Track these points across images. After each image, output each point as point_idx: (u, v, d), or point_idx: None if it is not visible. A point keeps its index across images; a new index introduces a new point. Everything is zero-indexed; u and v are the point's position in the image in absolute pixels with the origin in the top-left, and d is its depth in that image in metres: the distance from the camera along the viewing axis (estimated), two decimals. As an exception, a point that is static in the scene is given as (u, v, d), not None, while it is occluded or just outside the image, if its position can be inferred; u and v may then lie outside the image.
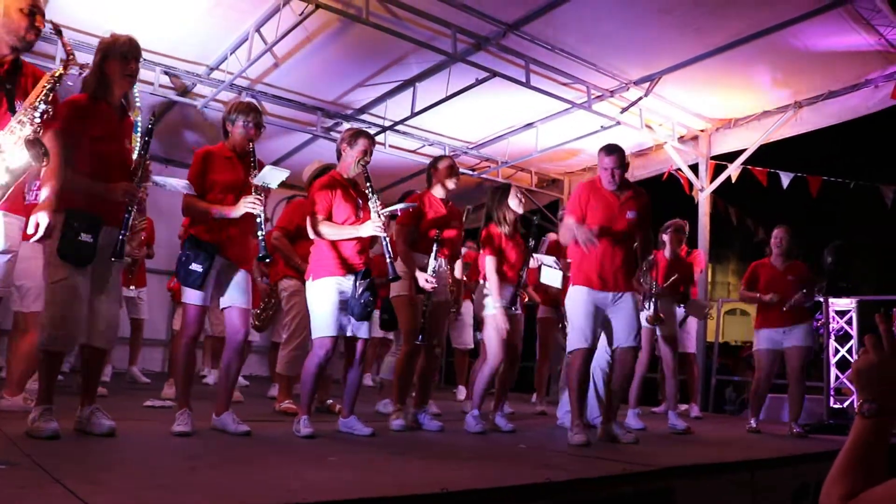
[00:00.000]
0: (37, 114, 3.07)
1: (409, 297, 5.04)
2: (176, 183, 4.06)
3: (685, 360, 7.58)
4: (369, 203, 4.49)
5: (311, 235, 4.51)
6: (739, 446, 5.26)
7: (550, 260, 5.92)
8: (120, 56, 3.78)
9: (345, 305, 4.43)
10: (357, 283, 4.43)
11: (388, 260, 4.49)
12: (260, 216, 4.13)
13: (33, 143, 3.01)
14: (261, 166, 4.28)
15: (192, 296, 4.11)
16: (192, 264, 4.04)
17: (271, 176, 4.17)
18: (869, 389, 1.36)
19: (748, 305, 7.66)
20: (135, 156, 3.90)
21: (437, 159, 5.50)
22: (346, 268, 4.46)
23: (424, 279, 4.98)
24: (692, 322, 7.54)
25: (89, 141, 3.65)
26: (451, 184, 5.31)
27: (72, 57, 3.22)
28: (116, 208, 3.67)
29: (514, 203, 5.54)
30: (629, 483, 3.52)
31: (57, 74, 3.17)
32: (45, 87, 3.13)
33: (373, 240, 4.64)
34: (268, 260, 4.26)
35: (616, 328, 4.99)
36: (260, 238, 4.14)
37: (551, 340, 7.30)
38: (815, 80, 7.91)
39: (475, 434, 5.05)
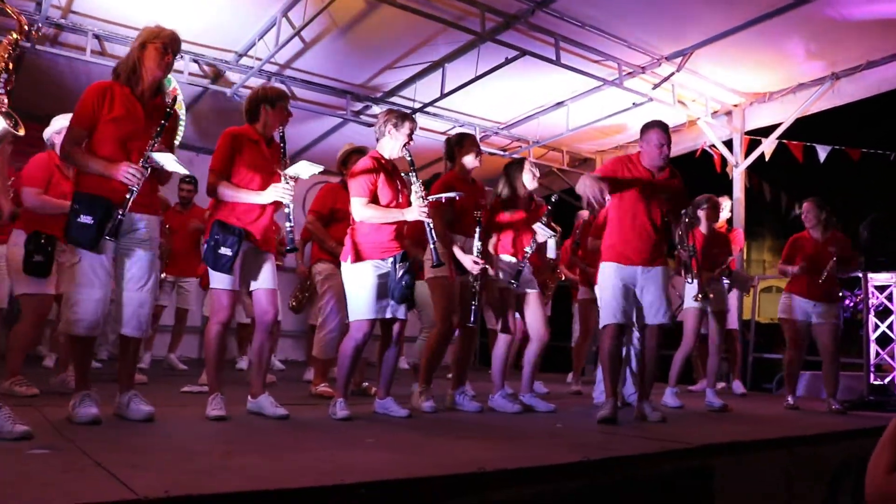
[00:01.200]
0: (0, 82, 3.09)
1: (447, 278, 5.01)
2: (164, 160, 3.90)
3: (727, 337, 7.56)
4: (413, 187, 4.47)
5: (356, 218, 4.48)
6: (778, 423, 5.20)
7: (540, 226, 5.67)
8: (161, 46, 3.80)
9: (383, 288, 4.42)
10: (397, 266, 4.41)
11: (431, 246, 4.48)
12: (289, 206, 4.12)
13: (6, 113, 3.02)
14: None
15: (222, 280, 4.11)
16: (222, 248, 4.03)
17: (305, 169, 4.16)
18: None
19: (784, 282, 7.56)
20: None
21: (461, 137, 5.42)
22: (385, 251, 4.45)
23: (472, 261, 4.96)
24: (732, 298, 7.47)
25: (106, 124, 3.68)
26: (474, 163, 5.29)
27: (23, 22, 3.21)
28: (126, 189, 3.64)
29: (528, 178, 5.49)
30: (667, 461, 3.50)
31: (13, 39, 3.16)
32: (3, 55, 3.13)
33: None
34: (295, 252, 4.24)
35: (644, 305, 4.95)
36: (288, 229, 4.14)
37: (592, 321, 7.28)
38: (852, 51, 7.72)
39: (511, 414, 5.04)
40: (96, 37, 7.39)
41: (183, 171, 3.95)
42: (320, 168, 4.21)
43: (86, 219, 3.57)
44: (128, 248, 3.76)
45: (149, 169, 3.68)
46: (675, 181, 5.05)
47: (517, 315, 5.48)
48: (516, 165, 5.57)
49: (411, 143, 4.60)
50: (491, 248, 5.38)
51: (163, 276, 7.31)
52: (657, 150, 4.92)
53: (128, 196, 3.61)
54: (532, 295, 5.43)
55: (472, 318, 5.07)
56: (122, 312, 3.79)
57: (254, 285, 4.29)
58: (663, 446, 3.67)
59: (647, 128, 5.04)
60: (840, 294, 6.53)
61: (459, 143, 5.32)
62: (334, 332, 5.64)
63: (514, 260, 5.38)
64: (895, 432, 1.30)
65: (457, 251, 5.00)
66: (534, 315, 5.44)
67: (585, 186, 4.68)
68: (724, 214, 7.58)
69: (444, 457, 3.21)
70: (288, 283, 7.56)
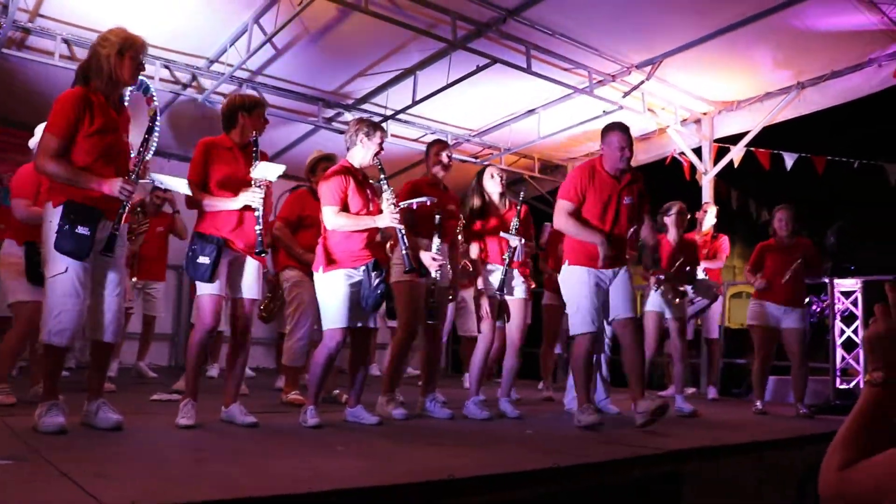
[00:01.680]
0: None
1: (411, 283, 5.01)
2: (175, 184, 4.04)
3: (708, 345, 7.70)
4: (384, 195, 4.48)
5: (328, 226, 4.47)
6: (747, 428, 5.25)
7: (503, 233, 5.67)
8: (137, 56, 3.79)
9: (356, 296, 4.42)
10: (370, 275, 4.41)
11: (403, 252, 4.50)
12: (258, 210, 4.13)
13: None
14: (263, 157, 4.28)
15: (205, 287, 4.12)
16: (200, 257, 4.04)
17: (268, 170, 4.19)
18: (877, 358, 1.36)
19: (753, 288, 7.70)
20: (133, 153, 3.90)
21: (428, 145, 5.46)
22: (357, 259, 4.44)
23: (430, 258, 4.95)
24: (716, 308, 7.55)
25: (88, 134, 3.63)
26: (439, 171, 5.30)
27: None
28: (116, 202, 3.66)
29: (488, 182, 5.49)
30: (637, 466, 3.52)
31: None
32: None
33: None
34: (263, 255, 4.25)
35: (613, 301, 4.90)
36: (257, 232, 4.14)
37: (557, 327, 7.30)
38: (818, 61, 7.86)
39: (481, 420, 5.05)
40: (65, 41, 7.31)
41: (188, 191, 4.08)
42: (282, 168, 4.24)
43: (83, 230, 3.55)
44: (101, 256, 3.74)
45: (137, 181, 3.69)
46: (638, 185, 5.00)
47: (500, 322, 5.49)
48: (480, 173, 5.59)
49: (382, 151, 4.62)
50: (474, 255, 5.39)
51: (133, 280, 7.29)
52: (618, 153, 4.83)
53: (121, 211, 3.64)
54: (513, 302, 5.44)
55: (428, 318, 5.07)
56: (101, 319, 3.78)
57: (236, 293, 4.29)
58: (633, 452, 3.70)
59: (607, 130, 4.96)
60: (806, 300, 6.62)
61: (426, 152, 5.39)
62: (303, 339, 5.62)
63: (497, 267, 5.38)
64: (846, 433, 1.33)
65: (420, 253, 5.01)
66: (512, 322, 5.47)
67: (600, 250, 4.73)
68: (710, 220, 7.65)
69: (414, 464, 3.21)
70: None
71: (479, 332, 5.39)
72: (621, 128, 4.93)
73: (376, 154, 4.57)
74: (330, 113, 9.35)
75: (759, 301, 6.47)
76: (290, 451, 3.51)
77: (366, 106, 9.21)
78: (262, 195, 4.14)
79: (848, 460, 1.27)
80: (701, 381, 8.41)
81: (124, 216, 3.67)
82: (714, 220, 7.69)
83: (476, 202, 5.48)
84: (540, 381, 7.89)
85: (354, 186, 4.50)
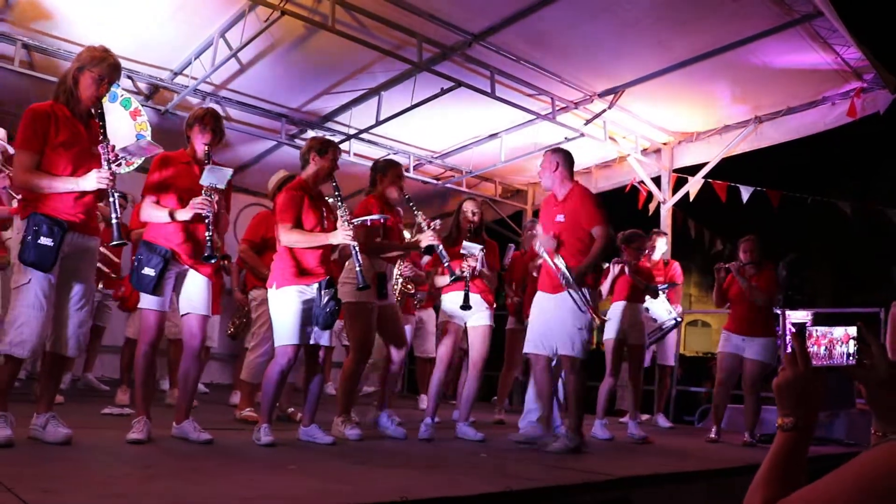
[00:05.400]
0: None
1: (365, 304, 5.01)
2: (136, 149, 3.92)
3: (661, 371, 7.74)
4: (338, 212, 4.49)
5: (282, 242, 4.47)
6: (697, 456, 5.32)
7: (475, 248, 5.66)
8: (97, 77, 3.76)
9: (308, 314, 4.41)
10: (322, 292, 4.41)
11: (357, 269, 4.49)
12: (208, 217, 4.09)
13: None
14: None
15: (148, 301, 4.07)
16: (145, 268, 4.00)
17: (215, 176, 4.14)
18: (785, 405, 1.42)
19: (709, 317, 7.79)
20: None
21: (386, 166, 5.44)
22: (310, 276, 4.45)
23: (428, 235, 5.01)
24: (672, 335, 7.62)
25: (54, 148, 3.65)
26: (395, 193, 5.32)
27: None
28: (85, 215, 3.70)
29: (463, 216, 5.61)
30: (588, 492, 3.54)
31: None
32: None
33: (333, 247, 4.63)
34: (212, 261, 4.19)
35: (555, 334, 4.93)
36: (207, 238, 4.09)
37: (517, 351, 7.32)
38: (775, 96, 8.05)
39: (434, 442, 5.05)
40: (25, 47, 7.22)
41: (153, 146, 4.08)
42: (230, 171, 4.22)
43: (46, 241, 3.54)
44: (73, 268, 3.73)
45: (113, 170, 3.66)
46: (571, 203, 4.95)
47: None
48: (461, 204, 5.72)
49: (334, 169, 4.64)
50: (440, 280, 5.45)
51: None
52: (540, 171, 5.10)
53: (112, 199, 3.63)
54: (477, 329, 5.49)
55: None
56: (62, 332, 3.74)
57: (184, 308, 4.24)
58: (584, 478, 3.73)
59: None
60: (774, 330, 6.69)
61: (383, 173, 5.35)
62: (264, 356, 5.59)
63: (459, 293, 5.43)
64: (763, 475, 1.38)
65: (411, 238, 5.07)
66: (474, 349, 5.52)
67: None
68: (661, 249, 7.67)
69: (367, 485, 3.21)
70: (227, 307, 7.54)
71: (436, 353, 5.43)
72: (550, 150, 5.23)
73: (330, 172, 4.60)
74: (293, 130, 9.33)
75: (724, 330, 6.61)
76: (241, 469, 3.48)
77: (329, 124, 9.21)
78: (213, 203, 4.08)
79: (765, 501, 1.32)
80: (655, 408, 8.48)
81: (116, 202, 3.65)
82: (665, 249, 7.71)
83: (452, 230, 5.57)
84: (496, 404, 7.91)
85: (307, 204, 4.52)
